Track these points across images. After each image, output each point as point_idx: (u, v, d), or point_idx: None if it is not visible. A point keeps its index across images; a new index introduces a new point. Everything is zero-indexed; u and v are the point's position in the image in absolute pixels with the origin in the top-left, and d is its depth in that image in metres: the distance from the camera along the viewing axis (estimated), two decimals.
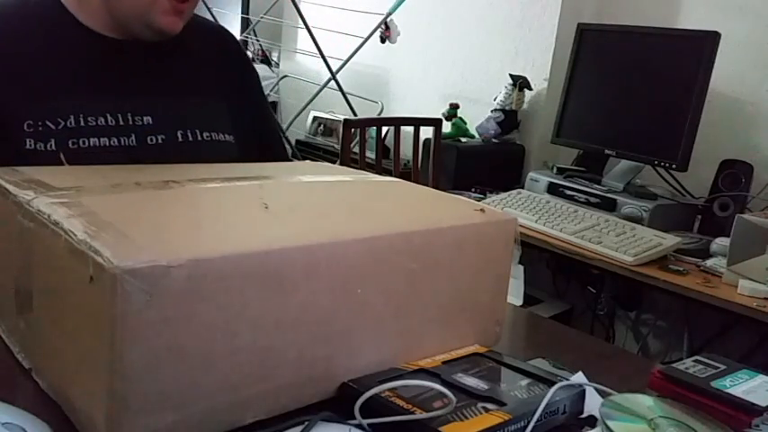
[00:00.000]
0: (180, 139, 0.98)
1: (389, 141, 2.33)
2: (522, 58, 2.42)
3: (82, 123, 0.91)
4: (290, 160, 1.27)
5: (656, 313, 2.22)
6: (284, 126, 3.12)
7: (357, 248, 0.60)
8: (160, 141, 0.96)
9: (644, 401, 0.61)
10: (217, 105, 1.07)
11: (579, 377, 0.68)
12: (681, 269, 1.59)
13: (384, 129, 2.26)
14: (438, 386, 0.57)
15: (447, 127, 2.41)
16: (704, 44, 1.79)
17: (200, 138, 1.00)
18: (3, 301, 0.66)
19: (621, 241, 1.66)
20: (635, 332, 2.30)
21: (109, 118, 0.93)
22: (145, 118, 0.96)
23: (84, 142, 0.90)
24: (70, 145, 0.89)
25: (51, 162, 0.87)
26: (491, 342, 0.75)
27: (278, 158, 1.17)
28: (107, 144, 0.92)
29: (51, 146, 0.88)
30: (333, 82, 2.90)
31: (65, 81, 0.94)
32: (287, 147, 2.95)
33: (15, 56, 0.92)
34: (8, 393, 0.58)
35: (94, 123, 0.92)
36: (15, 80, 0.91)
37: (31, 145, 0.88)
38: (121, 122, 0.94)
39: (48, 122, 0.89)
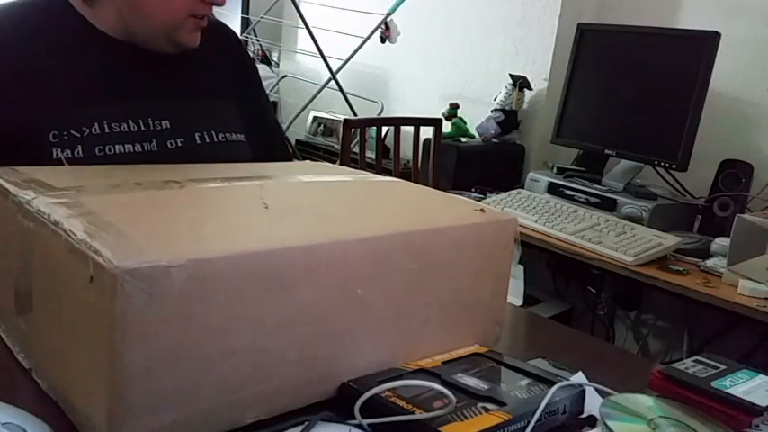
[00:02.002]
0: (198, 142, 0.99)
1: (389, 141, 2.33)
2: (522, 58, 2.42)
3: (106, 130, 0.91)
4: (290, 156, 1.27)
5: (656, 313, 2.22)
6: (284, 126, 3.12)
7: (357, 248, 0.60)
8: (179, 145, 0.97)
9: (644, 401, 0.61)
10: (226, 104, 1.07)
11: (579, 377, 0.68)
12: (681, 269, 1.59)
13: (384, 129, 2.26)
14: (438, 386, 0.57)
15: (447, 127, 2.41)
16: (704, 44, 1.79)
17: (216, 139, 1.01)
18: (3, 301, 0.66)
19: (621, 241, 1.66)
20: (635, 332, 2.30)
21: (131, 124, 0.94)
22: (163, 122, 0.97)
23: (110, 149, 0.91)
24: (96, 152, 0.90)
25: None
26: (491, 342, 0.75)
27: (280, 151, 1.18)
28: (131, 150, 0.92)
29: (79, 153, 0.89)
30: (333, 82, 2.89)
31: (82, 88, 0.93)
32: (284, 140, 2.95)
33: (31, 66, 0.92)
34: (8, 393, 0.58)
35: (118, 130, 0.92)
36: (34, 91, 0.90)
37: (57, 155, 0.88)
38: (142, 128, 0.95)
39: (72, 131, 0.89)
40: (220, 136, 1.02)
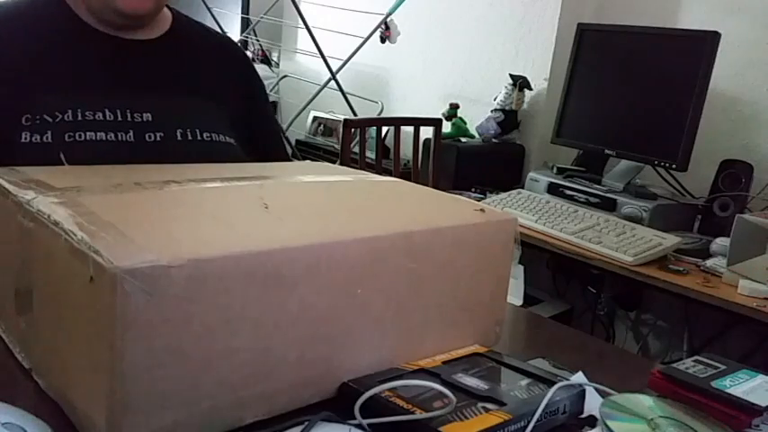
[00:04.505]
0: (179, 138, 0.98)
1: (389, 141, 2.33)
2: (522, 58, 2.42)
3: (79, 117, 0.91)
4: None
5: (656, 313, 2.22)
6: (284, 126, 3.12)
7: (357, 248, 0.60)
8: (158, 139, 0.96)
9: (644, 401, 0.61)
10: (218, 108, 1.06)
11: (579, 377, 0.68)
12: (681, 269, 1.59)
13: (384, 129, 2.26)
14: (438, 386, 0.57)
15: (447, 127, 2.41)
16: (704, 44, 1.79)
17: (199, 137, 0.99)
18: (3, 301, 0.66)
19: (621, 241, 1.66)
20: (635, 332, 2.30)
21: (107, 113, 0.93)
22: (144, 115, 0.96)
23: (80, 136, 0.90)
24: (66, 138, 0.89)
25: (46, 155, 0.86)
26: (491, 342, 0.75)
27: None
28: (103, 139, 0.91)
29: (47, 138, 0.88)
30: (333, 82, 2.90)
31: (65, 76, 0.94)
32: (287, 152, 2.95)
33: (16, 52, 0.93)
34: (8, 393, 0.58)
35: (92, 118, 0.92)
36: (15, 77, 0.91)
37: (26, 138, 0.88)
38: (120, 118, 0.94)
39: (45, 116, 0.89)
40: (205, 135, 1.00)
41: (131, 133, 0.94)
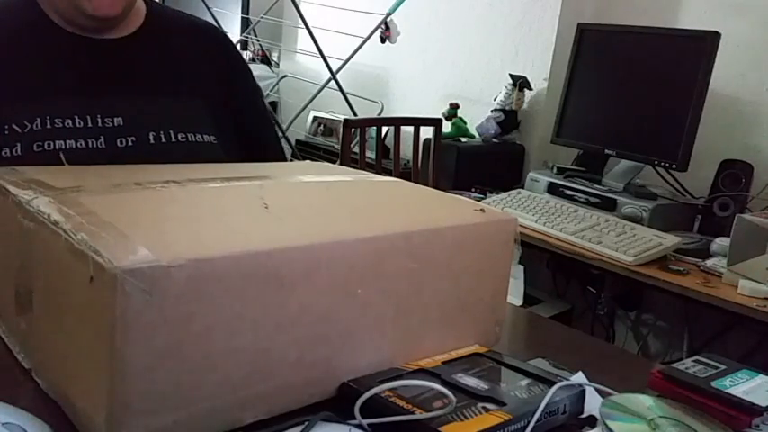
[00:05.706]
0: (152, 141, 0.94)
1: (389, 141, 2.33)
2: (522, 58, 2.42)
3: (48, 126, 0.88)
4: (285, 159, 1.24)
5: (656, 313, 2.22)
6: (284, 126, 3.12)
7: (357, 248, 0.60)
8: (130, 144, 0.92)
9: (644, 401, 0.61)
10: (196, 105, 1.02)
11: (579, 377, 0.68)
12: (681, 269, 1.59)
13: (384, 129, 2.26)
14: (438, 386, 0.57)
15: (447, 127, 2.41)
16: (704, 44, 1.79)
17: (174, 139, 0.96)
18: (3, 301, 0.66)
19: (621, 241, 1.66)
20: (635, 332, 2.30)
21: (77, 120, 0.90)
22: (115, 119, 0.92)
23: (48, 145, 0.87)
24: (35, 149, 0.86)
25: None
26: (491, 342, 0.75)
27: (272, 155, 1.14)
28: (73, 146, 0.88)
29: (17, 151, 0.85)
30: (333, 82, 2.90)
31: (32, 81, 0.91)
32: (285, 147, 2.95)
33: None
34: (8, 393, 0.58)
35: (61, 125, 0.88)
36: None
37: None
38: (90, 124, 0.90)
39: (14, 126, 0.86)
40: (179, 136, 0.96)
41: (102, 139, 0.91)
